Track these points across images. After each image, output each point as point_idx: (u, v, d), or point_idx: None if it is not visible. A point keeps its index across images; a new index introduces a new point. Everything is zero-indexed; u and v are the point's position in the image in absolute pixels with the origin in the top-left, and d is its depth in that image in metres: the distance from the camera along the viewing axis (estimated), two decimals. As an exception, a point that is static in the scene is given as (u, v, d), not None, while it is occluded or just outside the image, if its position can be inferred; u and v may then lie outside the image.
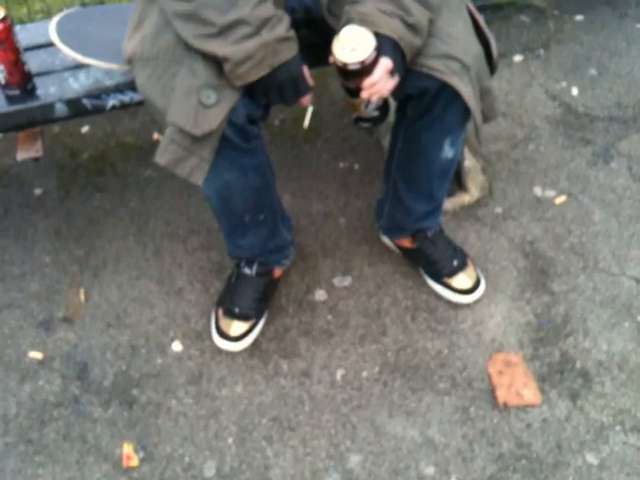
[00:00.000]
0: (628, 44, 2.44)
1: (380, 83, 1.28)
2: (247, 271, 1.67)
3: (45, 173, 2.07)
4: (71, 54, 1.54)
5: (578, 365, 1.62)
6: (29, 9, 2.50)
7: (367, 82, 1.28)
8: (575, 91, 2.27)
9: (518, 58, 2.39)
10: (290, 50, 1.29)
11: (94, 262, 1.86)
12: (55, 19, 1.62)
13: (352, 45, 1.25)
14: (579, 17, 2.55)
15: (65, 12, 1.65)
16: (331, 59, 1.29)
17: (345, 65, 1.26)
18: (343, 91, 1.37)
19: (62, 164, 2.10)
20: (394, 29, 1.26)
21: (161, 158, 1.33)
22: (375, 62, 1.26)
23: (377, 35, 1.26)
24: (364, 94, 1.30)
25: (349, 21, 1.29)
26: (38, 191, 2.03)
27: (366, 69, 1.26)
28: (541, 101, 2.24)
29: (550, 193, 1.98)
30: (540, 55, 2.40)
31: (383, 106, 1.41)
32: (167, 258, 1.86)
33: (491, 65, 1.50)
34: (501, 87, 2.27)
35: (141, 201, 2.00)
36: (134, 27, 1.42)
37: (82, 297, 1.79)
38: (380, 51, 1.26)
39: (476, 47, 1.41)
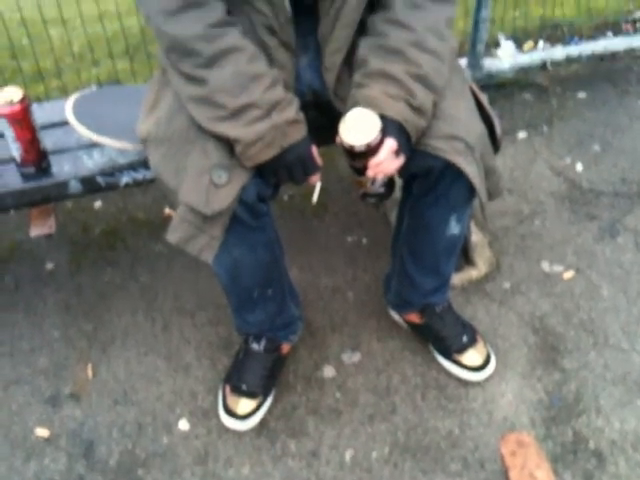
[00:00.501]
0: (630, 120, 2.49)
1: (385, 163, 1.31)
2: (255, 347, 1.67)
3: (57, 248, 2.10)
4: (86, 133, 1.58)
5: (591, 445, 1.58)
6: (46, 87, 2.58)
7: (373, 162, 1.30)
8: (579, 167, 2.31)
9: (522, 135, 2.43)
10: (299, 132, 1.33)
11: (103, 337, 1.86)
12: (71, 99, 1.67)
13: (358, 127, 1.29)
14: (581, 94, 2.61)
15: (81, 92, 1.70)
16: (338, 140, 1.32)
17: (351, 147, 1.29)
18: (350, 169, 1.40)
19: (74, 239, 2.13)
20: (399, 112, 1.30)
21: (172, 236, 1.35)
22: (381, 143, 1.29)
23: (383, 117, 1.29)
24: (370, 173, 1.33)
25: (355, 104, 1.33)
26: (50, 266, 2.05)
27: (372, 150, 1.29)
28: (546, 177, 2.28)
29: (558, 268, 1.98)
30: (544, 132, 2.45)
31: (389, 183, 1.43)
32: (175, 333, 1.86)
33: (495, 144, 1.53)
34: (506, 163, 2.31)
35: (151, 276, 2.01)
36: (149, 109, 1.47)
37: (90, 373, 1.78)
38: (385, 132, 1.29)
39: (479, 127, 1.44)
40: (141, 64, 2.62)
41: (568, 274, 1.97)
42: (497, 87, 2.57)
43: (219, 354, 1.80)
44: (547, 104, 2.57)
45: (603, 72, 2.71)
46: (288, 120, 1.30)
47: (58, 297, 1.97)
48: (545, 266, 1.99)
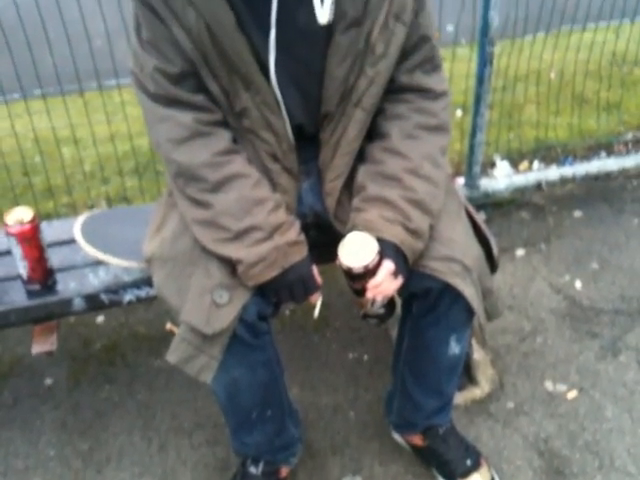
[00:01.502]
0: (627, 238, 2.54)
1: (384, 284, 1.33)
2: (253, 470, 1.63)
3: (57, 363, 2.09)
4: (93, 252, 1.62)
5: None
6: (56, 203, 2.65)
7: (371, 283, 1.33)
8: (579, 284, 2.33)
9: (520, 252, 2.47)
10: (300, 252, 1.37)
11: (98, 457, 1.82)
12: (80, 219, 1.72)
13: (356, 250, 1.32)
14: (577, 213, 2.67)
15: (89, 213, 1.75)
16: (337, 262, 1.35)
17: (350, 269, 1.32)
18: (350, 290, 1.42)
19: (74, 354, 2.12)
20: (396, 234, 1.34)
21: (172, 357, 1.35)
22: (378, 265, 1.32)
23: (380, 240, 1.33)
24: (369, 294, 1.35)
25: (354, 227, 1.37)
26: (49, 381, 2.04)
27: (370, 272, 1.32)
28: (546, 294, 2.30)
29: (561, 387, 1.96)
30: (542, 249, 2.49)
31: (389, 304, 1.45)
32: (172, 454, 1.82)
33: (492, 264, 1.56)
34: (505, 280, 2.33)
35: (149, 393, 1.99)
36: (155, 230, 1.51)
37: (83, 495, 1.73)
38: (383, 255, 1.32)
39: (476, 249, 1.48)
40: (149, 182, 2.71)
41: (572, 394, 1.94)
42: (494, 206, 2.64)
43: (216, 477, 1.76)
44: (544, 222, 2.63)
45: (598, 191, 2.79)
46: (289, 242, 1.34)
47: (55, 414, 1.94)
48: (548, 385, 1.97)
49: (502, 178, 2.62)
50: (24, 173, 2.77)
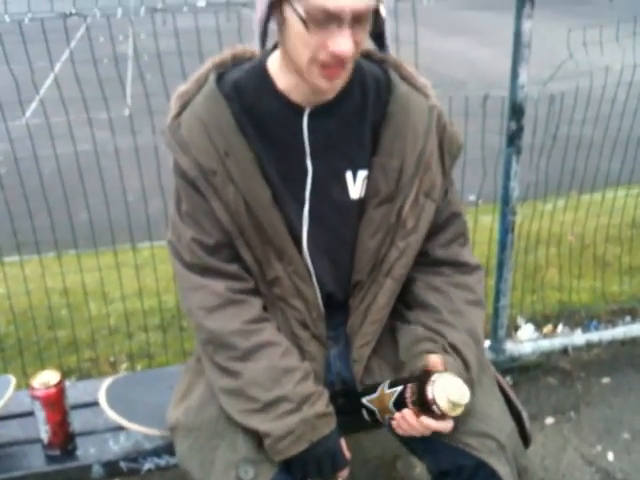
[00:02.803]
0: (658, 407, 2.46)
1: (417, 427, 1.30)
2: None
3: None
4: (116, 418, 1.60)
5: None
6: (79, 358, 2.65)
7: (414, 420, 1.29)
8: (611, 456, 2.24)
9: (550, 420, 2.40)
10: (328, 425, 1.34)
11: None
12: (105, 383, 1.71)
13: (455, 398, 1.26)
14: (605, 379, 2.61)
15: (115, 377, 1.75)
16: (418, 367, 1.34)
17: (439, 409, 1.26)
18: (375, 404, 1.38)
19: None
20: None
21: None
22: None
23: None
24: (394, 421, 1.32)
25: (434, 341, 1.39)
26: None
27: (432, 415, 1.28)
28: (578, 466, 2.20)
29: None
30: (571, 418, 2.41)
31: None
32: None
33: (524, 438, 1.51)
34: (536, 451, 2.24)
35: None
36: (180, 397, 1.49)
37: None
38: None
39: (510, 425, 1.44)
40: (173, 338, 2.71)
41: None
42: (520, 370, 2.59)
43: None
44: (572, 389, 2.56)
45: (625, 357, 2.74)
46: (318, 414, 1.32)
47: None
48: None
49: (527, 341, 2.60)
50: (49, 327, 2.79)
